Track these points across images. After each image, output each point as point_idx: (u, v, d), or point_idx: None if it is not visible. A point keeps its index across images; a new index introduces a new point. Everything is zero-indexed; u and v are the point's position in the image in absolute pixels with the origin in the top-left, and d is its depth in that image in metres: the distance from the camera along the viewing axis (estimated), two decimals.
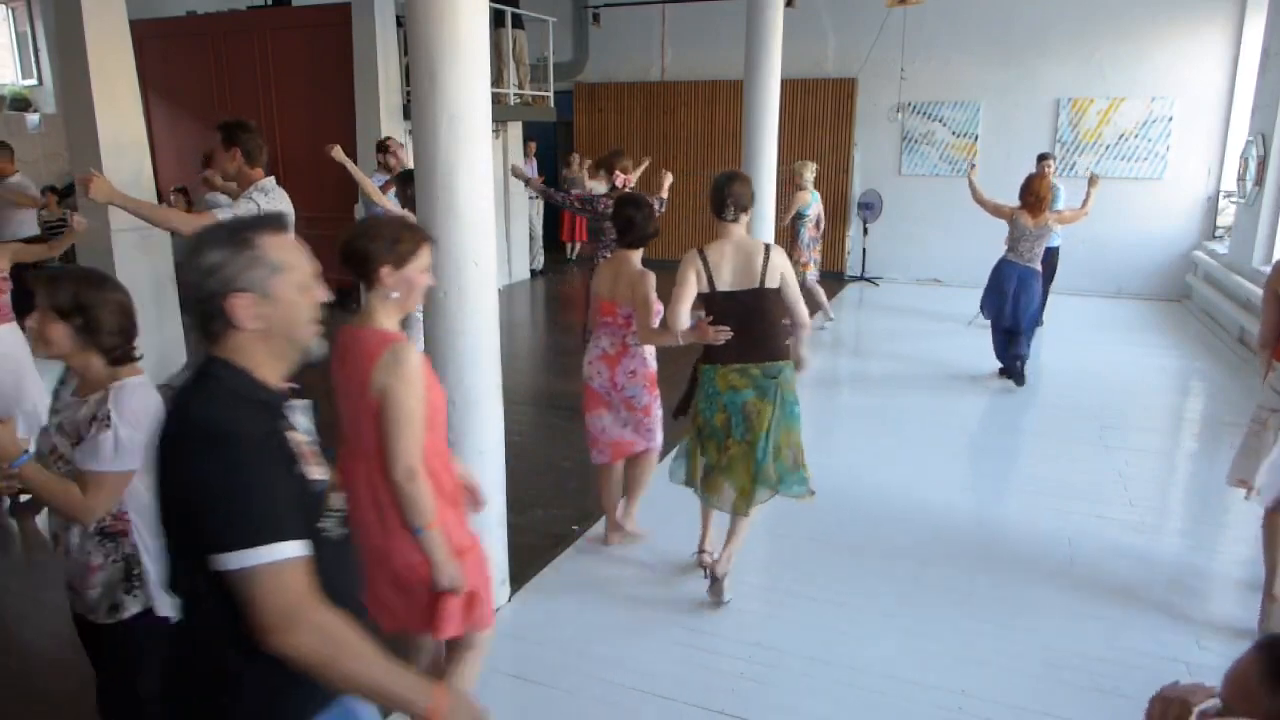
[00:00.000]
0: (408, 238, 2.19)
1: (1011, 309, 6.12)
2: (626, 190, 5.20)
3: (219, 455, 1.32)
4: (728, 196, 3.36)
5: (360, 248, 2.16)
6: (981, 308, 6.43)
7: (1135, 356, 7.52)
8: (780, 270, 3.32)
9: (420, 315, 3.35)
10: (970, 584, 3.65)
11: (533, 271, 11.38)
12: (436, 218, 3.10)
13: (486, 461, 3.32)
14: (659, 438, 3.88)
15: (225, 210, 3.49)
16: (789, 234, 7.85)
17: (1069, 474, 4.87)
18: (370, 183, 5.12)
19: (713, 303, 3.32)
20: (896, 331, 8.21)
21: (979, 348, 6.54)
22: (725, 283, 3.30)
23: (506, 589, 3.53)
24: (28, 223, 6.98)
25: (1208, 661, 3.09)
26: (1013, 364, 6.32)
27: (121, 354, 2.03)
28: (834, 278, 10.61)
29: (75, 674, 2.37)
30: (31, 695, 2.95)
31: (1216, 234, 9.62)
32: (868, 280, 10.82)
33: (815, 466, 4.04)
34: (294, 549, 1.34)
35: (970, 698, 2.91)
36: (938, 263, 10.76)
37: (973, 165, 6.92)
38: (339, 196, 6.87)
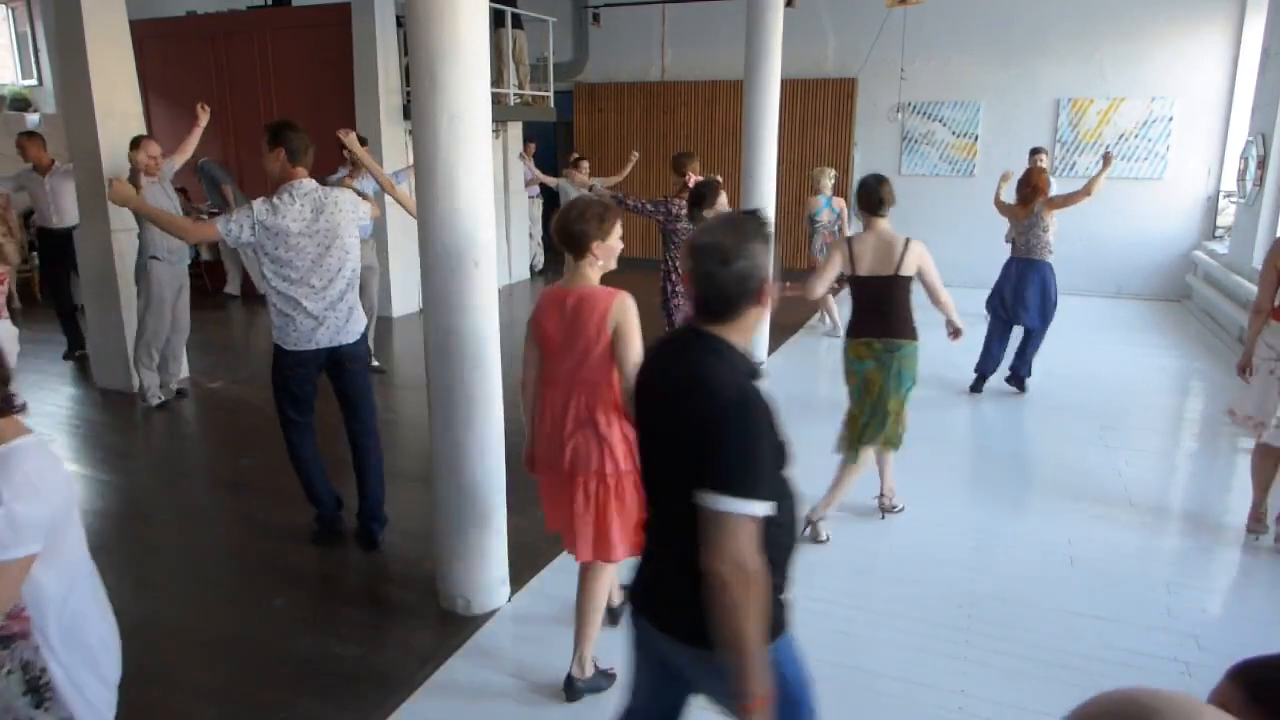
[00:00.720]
0: (609, 216, 2.68)
1: (1015, 301, 6.10)
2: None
3: (740, 416, 1.58)
4: (881, 195, 3.94)
5: (577, 230, 2.65)
6: (986, 307, 6.41)
7: (1135, 356, 7.52)
8: (918, 261, 3.87)
9: None
10: (969, 583, 3.66)
11: (533, 271, 11.38)
12: (436, 218, 3.11)
13: (487, 461, 3.33)
14: None
15: (222, 222, 3.50)
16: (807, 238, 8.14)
17: (1069, 474, 4.87)
18: (382, 171, 5.05)
19: (851, 283, 3.97)
20: None
21: (979, 348, 6.52)
22: (864, 268, 3.90)
23: (506, 589, 3.53)
24: (72, 211, 6.84)
25: (1207, 662, 3.09)
26: (1017, 371, 6.32)
27: (1, 404, 1.61)
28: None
29: None
30: None
31: (1216, 234, 9.63)
32: None
33: (812, 469, 4.03)
34: (763, 509, 1.58)
35: (970, 698, 2.92)
36: (938, 263, 10.58)
37: (1005, 175, 6.86)
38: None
